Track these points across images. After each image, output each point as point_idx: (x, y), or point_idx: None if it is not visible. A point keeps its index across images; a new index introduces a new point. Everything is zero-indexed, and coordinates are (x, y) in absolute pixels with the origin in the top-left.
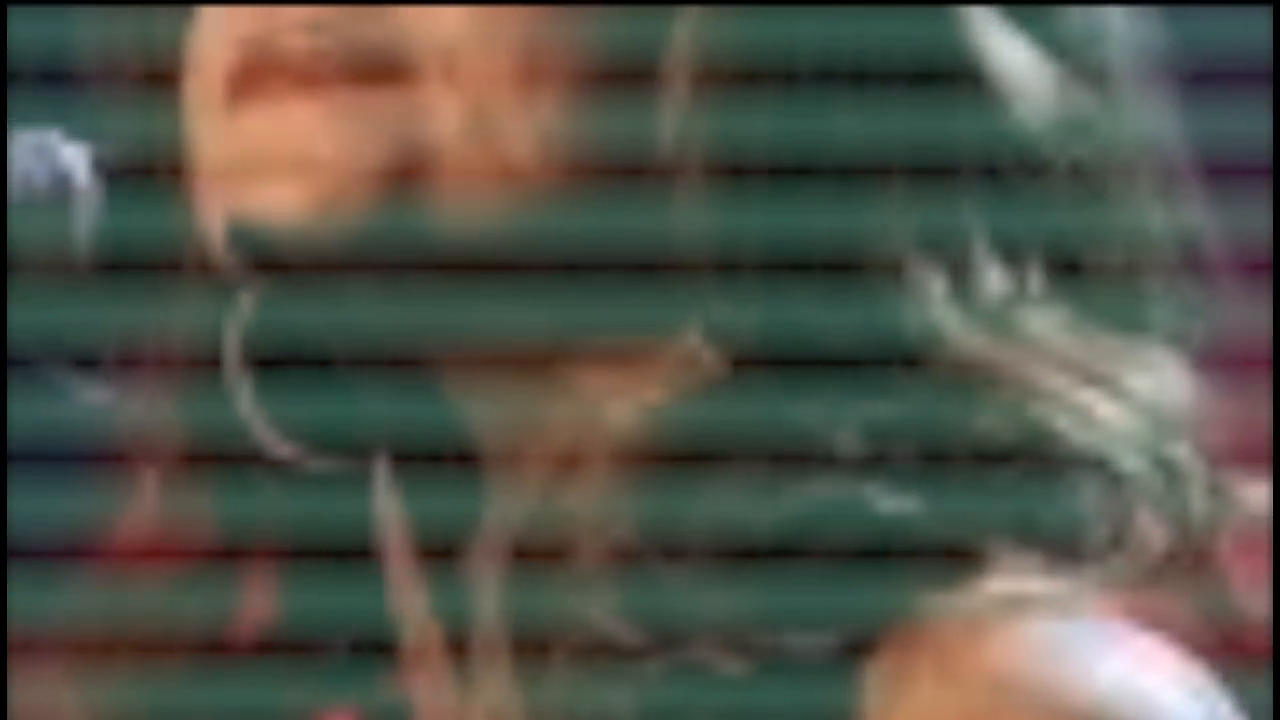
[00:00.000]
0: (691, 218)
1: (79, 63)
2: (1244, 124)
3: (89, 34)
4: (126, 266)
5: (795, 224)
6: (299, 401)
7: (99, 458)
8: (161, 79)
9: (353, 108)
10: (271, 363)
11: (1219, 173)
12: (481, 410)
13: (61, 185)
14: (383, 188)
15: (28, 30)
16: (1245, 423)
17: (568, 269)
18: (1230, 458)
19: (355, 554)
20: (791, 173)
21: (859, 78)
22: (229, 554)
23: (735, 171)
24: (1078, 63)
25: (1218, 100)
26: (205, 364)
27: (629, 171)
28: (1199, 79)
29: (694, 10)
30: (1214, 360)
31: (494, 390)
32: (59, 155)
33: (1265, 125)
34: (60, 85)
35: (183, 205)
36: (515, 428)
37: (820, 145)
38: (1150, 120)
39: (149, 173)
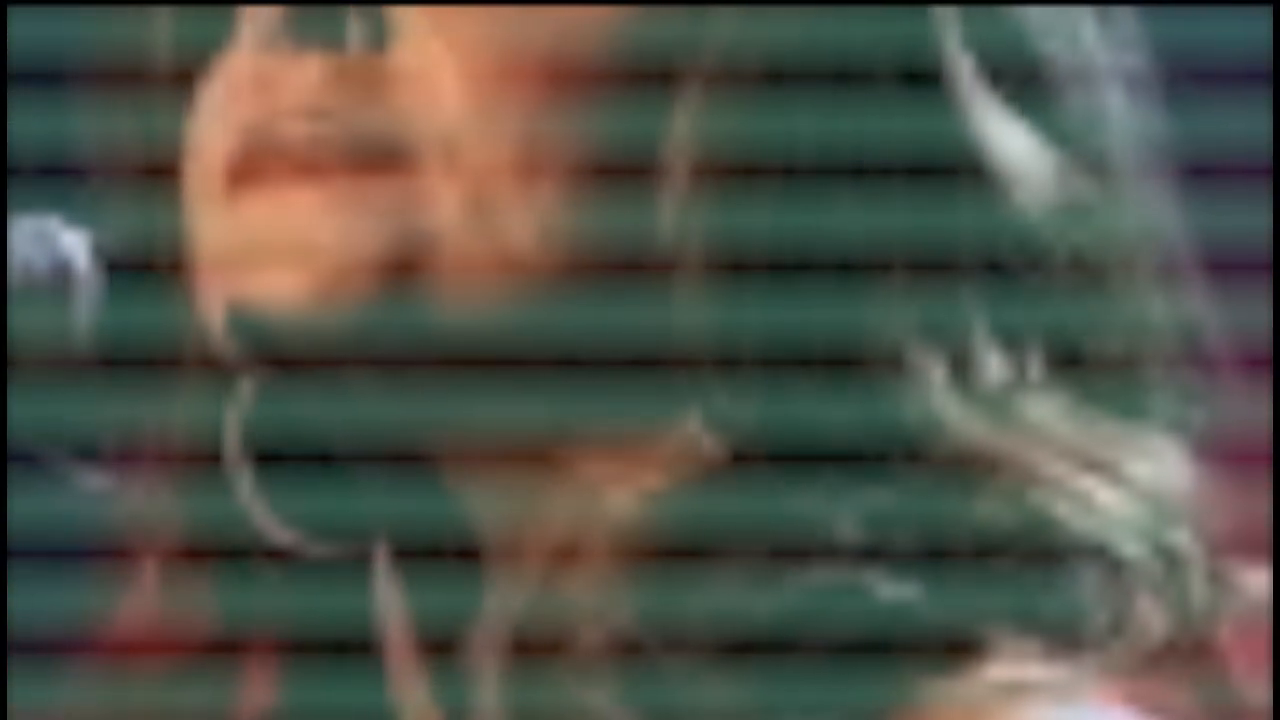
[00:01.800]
0: (691, 310)
1: (79, 152)
2: (1243, 126)
3: (89, 124)
4: (127, 359)
5: (795, 316)
6: (299, 492)
7: (99, 550)
8: (161, 170)
9: (353, 196)
10: (271, 454)
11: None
12: (481, 501)
13: (62, 272)
14: (382, 277)
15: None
16: (1245, 511)
17: (567, 362)
18: (1230, 545)
19: (355, 646)
20: (791, 265)
21: (858, 171)
22: (228, 646)
23: (735, 264)
24: (1078, 151)
25: (1217, 101)
26: (205, 455)
27: (629, 264)
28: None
29: (694, 101)
30: (1214, 450)
31: (494, 482)
32: (59, 242)
33: (1265, 125)
34: (60, 175)
35: (182, 296)
36: (515, 519)
37: (819, 238)
38: (1151, 210)
39: (149, 264)
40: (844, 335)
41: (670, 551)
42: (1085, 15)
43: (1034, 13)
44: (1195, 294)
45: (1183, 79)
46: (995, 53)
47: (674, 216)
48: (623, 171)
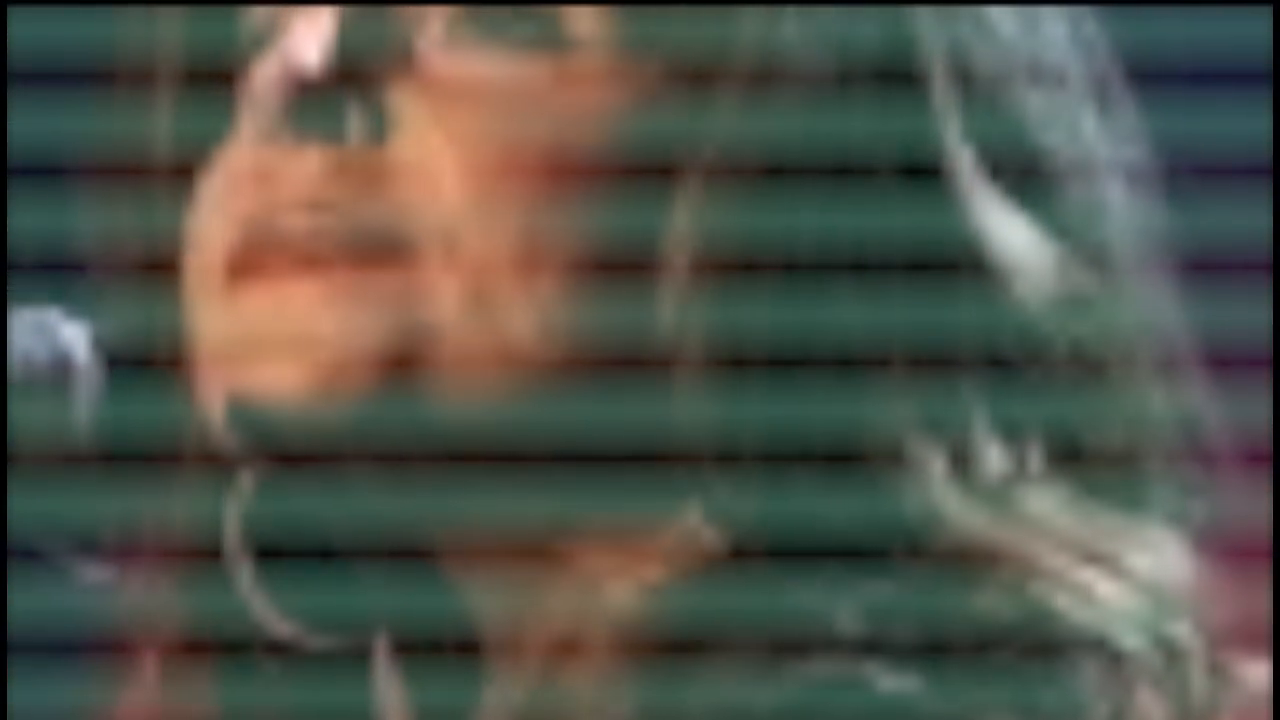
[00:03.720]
0: (692, 404)
1: (79, 246)
2: (1243, 126)
3: (90, 219)
4: (127, 453)
5: (795, 411)
6: (299, 586)
7: (99, 644)
8: (161, 265)
9: (353, 288)
10: (272, 548)
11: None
12: (481, 595)
13: (62, 364)
14: (382, 369)
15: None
16: (1245, 602)
17: (568, 456)
18: (1230, 637)
19: None
20: (791, 360)
21: (858, 266)
22: None
23: (735, 359)
24: (1078, 244)
25: (1217, 102)
26: (205, 550)
27: (629, 358)
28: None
29: (694, 196)
30: (1214, 543)
31: (494, 575)
32: (59, 334)
33: (1265, 125)
34: (60, 269)
35: (183, 390)
36: (515, 613)
37: (820, 332)
38: (1151, 304)
39: (149, 358)
40: (844, 429)
41: (670, 646)
42: (1085, 107)
43: (1034, 105)
44: (1196, 387)
45: (1183, 80)
46: (996, 146)
47: (674, 311)
48: (623, 267)
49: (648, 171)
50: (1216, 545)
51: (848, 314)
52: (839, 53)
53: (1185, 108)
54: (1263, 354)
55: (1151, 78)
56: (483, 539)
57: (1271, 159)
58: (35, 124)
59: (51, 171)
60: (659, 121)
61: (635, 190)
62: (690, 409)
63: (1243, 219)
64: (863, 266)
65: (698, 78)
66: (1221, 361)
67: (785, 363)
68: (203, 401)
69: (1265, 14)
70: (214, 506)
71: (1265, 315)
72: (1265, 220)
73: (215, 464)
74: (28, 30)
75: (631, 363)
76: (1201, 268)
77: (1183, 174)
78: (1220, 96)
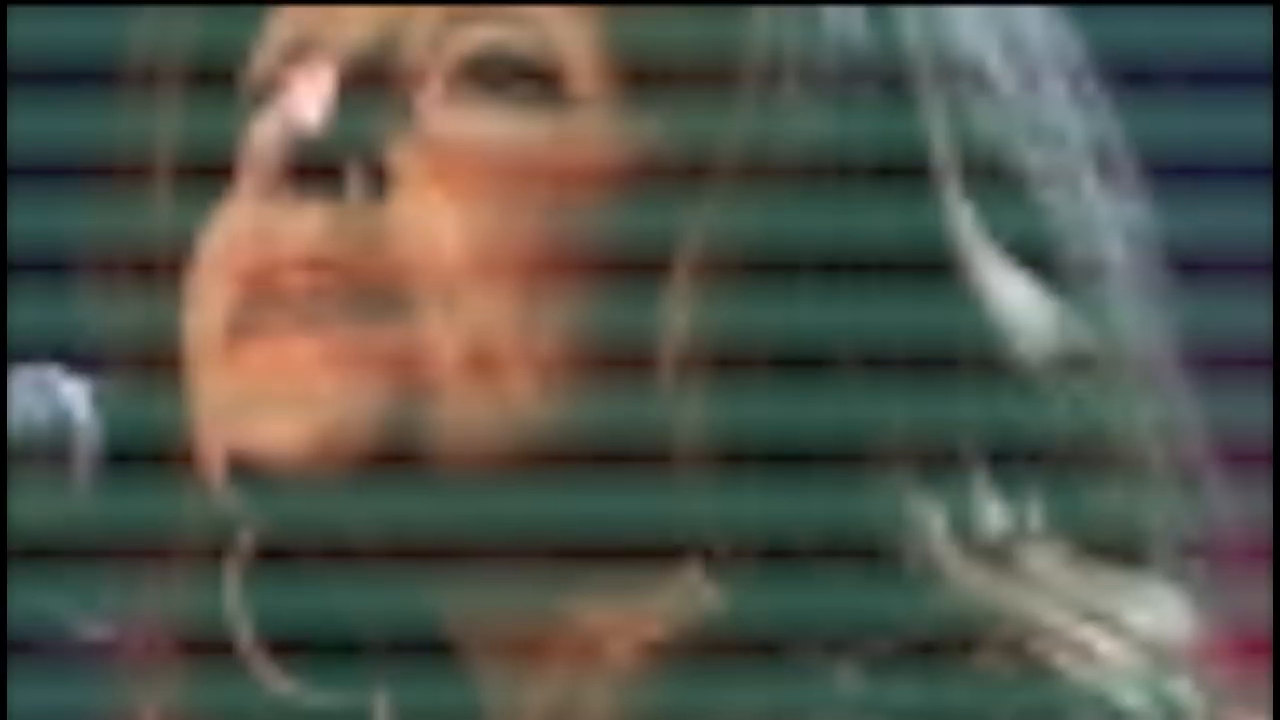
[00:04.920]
0: (691, 498)
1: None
2: (1243, 126)
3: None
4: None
5: (796, 495)
6: (301, 655)
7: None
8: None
9: (353, 347)
10: (271, 618)
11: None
12: (484, 667)
13: (62, 422)
14: (382, 428)
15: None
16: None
17: (568, 528)
18: (1231, 689)
19: None
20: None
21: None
22: None
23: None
24: (1077, 301)
25: (1217, 102)
26: (208, 644)
27: (632, 453)
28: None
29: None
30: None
31: (494, 650)
32: (59, 392)
33: (1265, 125)
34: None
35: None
36: (515, 678)
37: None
38: (1150, 371)
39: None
40: (845, 510)
41: (671, 713)
42: (1086, 165)
43: (1034, 164)
44: (1202, 474)
45: (1183, 80)
46: (996, 209)
47: (672, 395)
48: (620, 363)
49: (648, 251)
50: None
51: (847, 401)
52: (837, 142)
53: (1185, 108)
54: (1263, 354)
55: (1151, 78)
56: (483, 610)
57: (1271, 159)
58: (35, 124)
59: (51, 171)
60: (657, 197)
61: (635, 270)
62: (690, 503)
63: (1243, 219)
64: (862, 359)
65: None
66: (1221, 361)
67: (783, 457)
68: (203, 464)
69: (1265, 14)
70: (213, 595)
71: (1265, 315)
72: (1265, 220)
73: (214, 543)
74: (28, 30)
75: (634, 459)
76: (1201, 268)
77: (1183, 174)
78: (1220, 96)
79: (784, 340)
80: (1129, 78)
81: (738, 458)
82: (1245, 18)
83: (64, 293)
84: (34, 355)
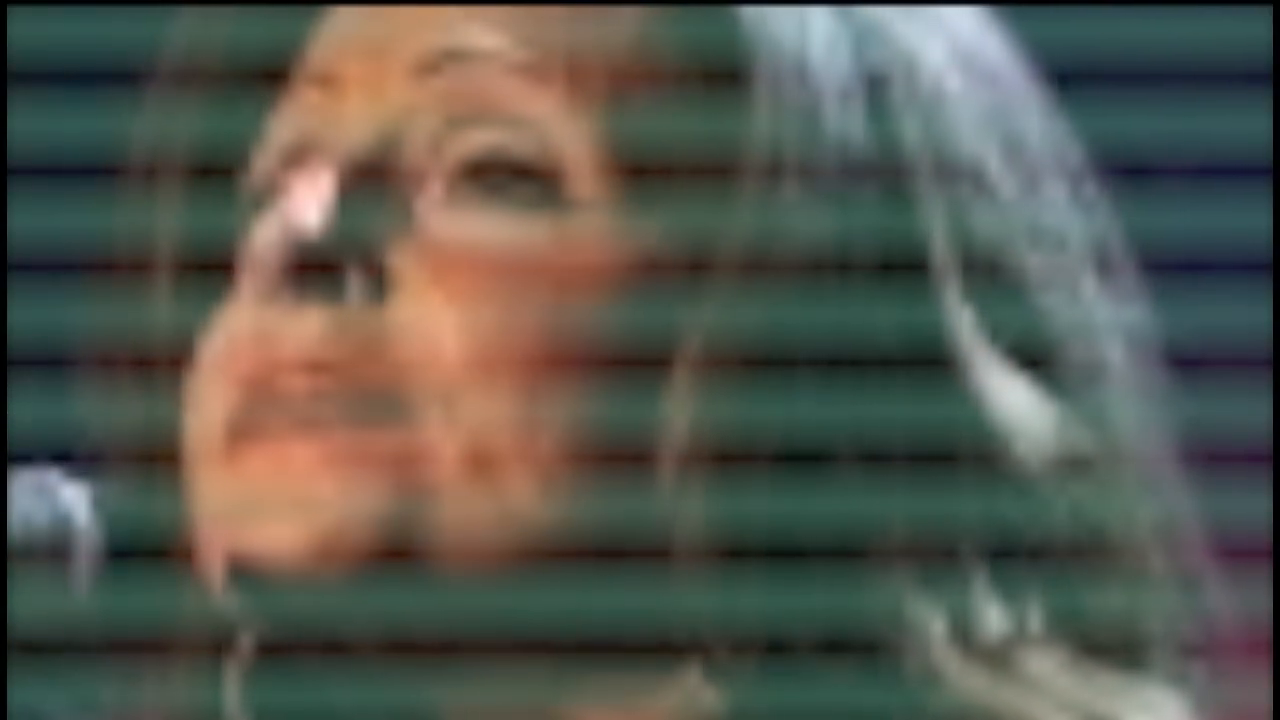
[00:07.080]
0: (690, 595)
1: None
2: (1243, 126)
3: (90, 412)
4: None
5: (795, 594)
6: None
7: None
8: (163, 460)
9: (353, 450)
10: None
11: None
12: None
13: (62, 526)
14: (382, 532)
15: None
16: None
17: (567, 629)
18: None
19: None
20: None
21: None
22: None
23: (733, 549)
24: (1077, 404)
25: (1217, 102)
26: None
27: (632, 550)
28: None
29: (691, 381)
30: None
31: None
32: (59, 496)
33: (1265, 125)
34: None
35: (184, 584)
36: None
37: (818, 518)
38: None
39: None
40: (845, 609)
41: None
42: (1085, 269)
43: (1034, 268)
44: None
45: (1183, 80)
46: (996, 313)
47: (672, 495)
48: (619, 460)
49: (648, 349)
50: (1217, 640)
51: (847, 499)
52: (837, 240)
53: (1185, 108)
54: (1263, 354)
55: (1151, 78)
56: (482, 709)
57: (1271, 159)
58: (35, 124)
59: (51, 171)
60: (657, 295)
61: (635, 368)
62: (689, 599)
63: (1243, 219)
64: (862, 455)
65: (695, 261)
66: (1221, 362)
67: (783, 553)
68: (203, 566)
69: (1265, 14)
70: (214, 677)
71: (1265, 315)
72: (1265, 220)
73: (214, 641)
74: (28, 30)
75: (631, 545)
76: (1201, 268)
77: (1183, 174)
78: (1220, 96)
79: (784, 438)
80: (1129, 78)
81: (738, 555)
82: (1245, 18)
83: (63, 391)
84: (34, 458)
